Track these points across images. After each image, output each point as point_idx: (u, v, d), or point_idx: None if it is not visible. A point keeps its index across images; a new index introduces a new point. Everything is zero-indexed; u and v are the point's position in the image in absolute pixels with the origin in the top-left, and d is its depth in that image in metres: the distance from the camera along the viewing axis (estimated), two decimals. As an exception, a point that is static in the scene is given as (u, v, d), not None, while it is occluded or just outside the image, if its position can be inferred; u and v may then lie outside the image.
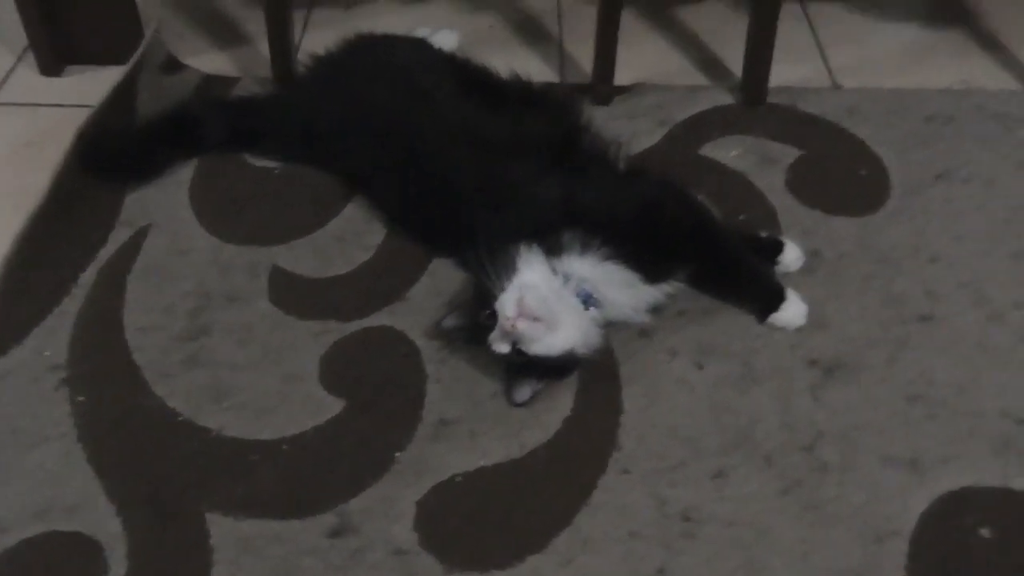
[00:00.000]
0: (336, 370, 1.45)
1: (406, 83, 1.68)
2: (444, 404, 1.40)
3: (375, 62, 1.77)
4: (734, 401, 1.40)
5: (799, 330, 1.50)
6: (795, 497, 1.27)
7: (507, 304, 1.32)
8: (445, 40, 2.02)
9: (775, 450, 1.33)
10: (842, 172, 1.79)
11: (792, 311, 1.49)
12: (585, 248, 1.41)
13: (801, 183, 1.76)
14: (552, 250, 1.42)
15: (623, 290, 1.43)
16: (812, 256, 1.61)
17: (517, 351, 1.34)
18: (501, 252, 1.40)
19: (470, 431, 1.37)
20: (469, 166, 1.53)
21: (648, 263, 1.43)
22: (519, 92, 1.73)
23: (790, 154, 1.83)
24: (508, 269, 1.37)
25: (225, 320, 1.52)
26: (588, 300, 1.40)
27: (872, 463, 1.32)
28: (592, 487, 1.30)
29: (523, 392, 1.38)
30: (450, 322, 1.46)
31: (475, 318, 1.39)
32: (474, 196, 1.51)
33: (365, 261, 1.62)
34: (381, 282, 1.58)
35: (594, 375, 1.42)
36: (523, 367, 1.36)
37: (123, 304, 1.56)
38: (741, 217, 1.69)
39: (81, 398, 1.40)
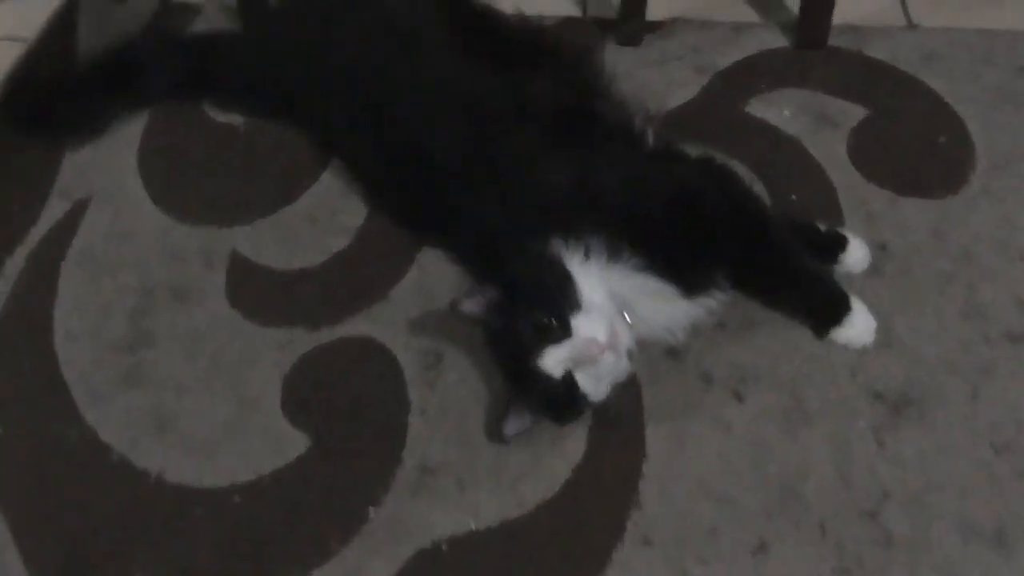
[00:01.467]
0: (301, 395, 1.21)
1: (386, 24, 1.37)
2: (428, 443, 1.16)
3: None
4: (780, 445, 1.15)
5: (862, 351, 1.23)
6: (853, 582, 1.04)
7: (598, 329, 1.06)
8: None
9: (830, 515, 1.09)
10: (916, 138, 1.48)
11: (859, 326, 1.23)
12: (614, 255, 1.13)
13: (867, 153, 1.46)
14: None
15: (657, 306, 1.16)
16: (878, 251, 1.32)
17: (568, 378, 1.08)
18: (533, 252, 1.13)
19: (458, 481, 1.13)
20: (456, 134, 1.24)
21: (687, 271, 1.16)
22: (525, 38, 1.42)
23: (854, 114, 1.52)
24: (553, 274, 1.11)
25: (172, 325, 1.28)
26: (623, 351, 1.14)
27: (948, 535, 1.08)
28: (605, 561, 1.07)
29: (515, 425, 1.13)
30: (470, 307, 1.14)
31: (514, 315, 1.10)
32: (461, 173, 1.22)
33: (341, 250, 1.36)
34: (359, 277, 1.32)
35: (612, 407, 1.16)
36: (532, 396, 1.11)
37: (54, 300, 1.30)
38: (793, 198, 1.40)
39: (-2, 429, 1.17)
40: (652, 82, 1.54)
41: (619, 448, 1.16)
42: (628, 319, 1.13)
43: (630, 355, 1.12)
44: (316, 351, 1.24)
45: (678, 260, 1.15)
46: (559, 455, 1.15)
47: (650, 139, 1.31)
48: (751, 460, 1.14)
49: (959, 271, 1.31)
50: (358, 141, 1.35)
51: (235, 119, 1.51)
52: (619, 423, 1.16)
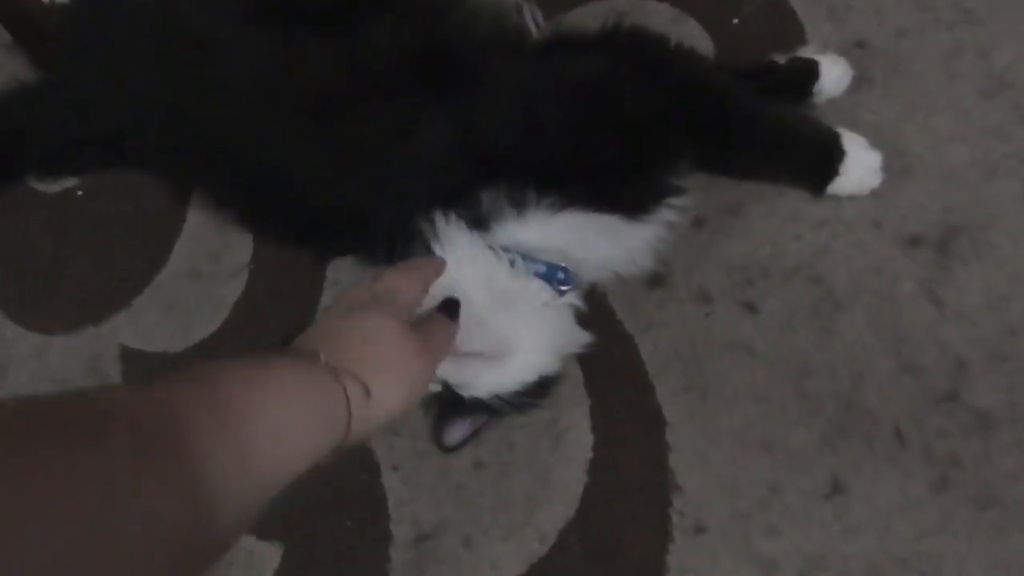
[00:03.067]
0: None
1: (172, 27, 1.07)
2: (414, 503, 0.96)
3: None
4: (818, 352, 0.93)
5: (877, 194, 0.97)
6: (955, 496, 0.83)
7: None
8: None
9: (903, 416, 0.89)
10: None
11: (860, 167, 0.96)
12: (519, 205, 0.86)
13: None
14: (475, 223, 0.88)
15: (602, 244, 0.90)
16: (856, 52, 1.04)
17: (448, 390, 0.85)
18: (400, 236, 0.89)
19: (463, 538, 0.93)
20: (297, 133, 0.96)
21: (622, 189, 0.89)
22: None
23: None
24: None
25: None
26: (556, 279, 0.89)
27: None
28: (661, 569, 0.87)
29: (456, 432, 0.89)
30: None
31: None
32: (323, 169, 0.95)
33: (238, 298, 1.11)
34: (271, 321, 1.08)
35: (608, 376, 0.94)
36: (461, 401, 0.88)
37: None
38: (735, 22, 1.11)
39: None
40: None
41: (632, 423, 0.94)
42: (567, 273, 0.88)
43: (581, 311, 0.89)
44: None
45: (608, 181, 0.88)
46: (565, 459, 0.94)
47: (534, 27, 1.02)
48: (789, 383, 0.92)
49: (962, 39, 1.03)
50: (205, 164, 1.08)
51: (67, 183, 1.24)
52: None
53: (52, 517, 0.35)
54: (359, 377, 0.56)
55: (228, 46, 1.00)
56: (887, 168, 0.97)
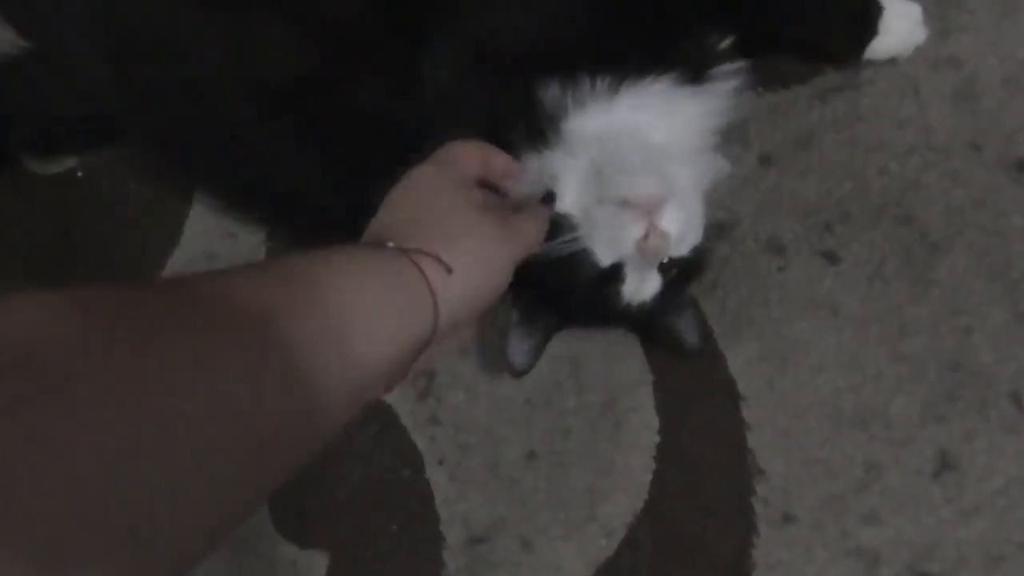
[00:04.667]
0: (293, 502, 0.92)
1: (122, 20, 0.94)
2: (465, 500, 0.87)
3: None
4: (914, 306, 0.80)
5: (974, 110, 0.82)
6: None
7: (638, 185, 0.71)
8: None
9: (1022, 373, 0.75)
10: None
11: (899, 21, 0.83)
12: (577, 96, 0.74)
13: None
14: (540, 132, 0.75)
15: (668, 120, 0.77)
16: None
17: (670, 266, 0.74)
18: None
19: (521, 539, 0.85)
20: (287, 133, 0.84)
21: (667, 51, 0.76)
22: None
23: None
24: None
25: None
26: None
27: None
28: (747, 567, 0.77)
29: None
30: (519, 357, 0.78)
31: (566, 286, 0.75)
32: (331, 172, 0.84)
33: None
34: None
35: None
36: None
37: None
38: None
39: None
40: None
41: (703, 400, 0.83)
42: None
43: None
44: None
45: (649, 44, 0.76)
46: (628, 445, 0.84)
47: None
48: (883, 345, 0.80)
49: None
50: (194, 165, 0.97)
51: (66, 163, 1.14)
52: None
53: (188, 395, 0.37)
54: (431, 253, 0.55)
55: (184, 43, 0.87)
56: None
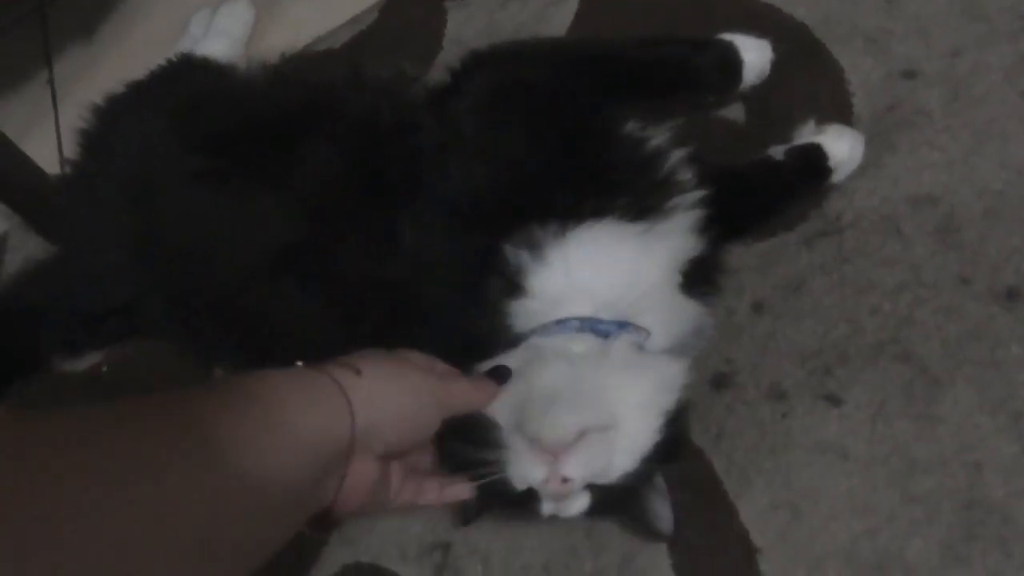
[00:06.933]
0: None
1: (139, 196, 1.01)
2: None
3: (114, 154, 1.10)
4: (919, 440, 0.78)
5: (958, 244, 0.84)
6: None
7: (545, 428, 0.71)
8: (230, 26, 1.31)
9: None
10: None
11: (840, 145, 0.89)
12: (534, 246, 0.76)
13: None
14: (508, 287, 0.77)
15: (631, 263, 0.78)
16: (908, 83, 0.92)
17: (596, 493, 0.74)
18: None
19: None
20: (286, 293, 0.88)
21: (611, 188, 0.78)
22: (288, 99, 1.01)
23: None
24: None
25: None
26: (597, 329, 0.76)
27: None
28: None
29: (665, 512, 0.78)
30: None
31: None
32: (326, 327, 0.87)
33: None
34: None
35: (683, 501, 0.82)
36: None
37: None
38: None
39: None
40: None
41: (719, 554, 0.82)
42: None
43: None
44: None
45: (590, 182, 0.78)
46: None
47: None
48: (894, 486, 0.79)
49: (1027, 45, 0.89)
50: (209, 335, 1.01)
51: (91, 359, 1.19)
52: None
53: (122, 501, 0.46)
54: (347, 362, 0.65)
55: (193, 222, 0.94)
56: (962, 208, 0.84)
